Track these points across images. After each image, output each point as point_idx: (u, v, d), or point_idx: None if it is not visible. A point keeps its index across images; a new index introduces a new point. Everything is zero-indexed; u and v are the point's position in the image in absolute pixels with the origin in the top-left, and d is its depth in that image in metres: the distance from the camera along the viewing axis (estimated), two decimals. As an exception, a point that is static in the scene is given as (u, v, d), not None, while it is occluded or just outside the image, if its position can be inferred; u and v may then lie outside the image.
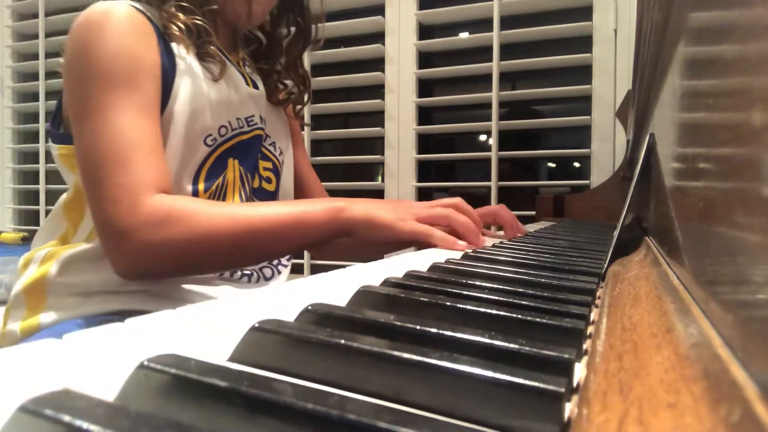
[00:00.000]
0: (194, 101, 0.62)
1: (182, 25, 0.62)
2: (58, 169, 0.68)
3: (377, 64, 1.44)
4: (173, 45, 0.62)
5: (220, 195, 0.66)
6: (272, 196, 0.75)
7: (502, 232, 0.76)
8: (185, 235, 0.51)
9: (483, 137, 1.43)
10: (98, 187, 0.53)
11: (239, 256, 0.57)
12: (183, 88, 0.61)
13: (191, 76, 0.62)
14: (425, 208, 0.57)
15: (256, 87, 0.73)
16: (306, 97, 0.81)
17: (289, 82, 0.80)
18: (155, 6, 0.63)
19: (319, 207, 0.55)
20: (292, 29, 0.79)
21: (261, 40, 0.79)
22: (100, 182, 0.53)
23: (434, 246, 0.53)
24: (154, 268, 0.54)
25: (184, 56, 0.62)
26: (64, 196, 0.65)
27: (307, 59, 1.42)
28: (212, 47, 0.64)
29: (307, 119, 1.44)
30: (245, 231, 0.53)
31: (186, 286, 0.63)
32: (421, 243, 0.54)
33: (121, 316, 0.58)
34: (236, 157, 0.67)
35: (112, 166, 0.52)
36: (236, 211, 0.54)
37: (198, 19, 0.63)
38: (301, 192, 0.85)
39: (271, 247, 0.57)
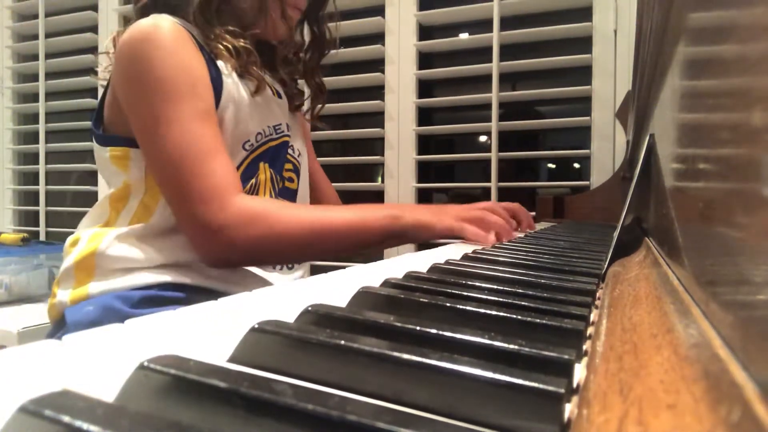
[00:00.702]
0: (237, 111, 0.69)
1: (230, 46, 0.68)
2: (100, 169, 0.73)
3: (377, 64, 1.44)
4: (219, 62, 0.68)
5: (252, 194, 0.73)
6: (295, 193, 0.82)
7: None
8: (267, 234, 0.59)
9: (483, 138, 1.43)
10: (185, 191, 0.60)
11: (309, 254, 0.69)
12: (228, 98, 0.68)
13: (235, 88, 0.69)
14: (463, 210, 0.65)
15: (279, 96, 0.79)
16: (322, 104, 0.87)
17: (304, 88, 0.86)
18: (200, 25, 0.68)
19: (379, 215, 0.63)
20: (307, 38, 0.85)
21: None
22: (186, 186, 0.60)
23: (467, 239, 0.61)
24: (239, 260, 0.65)
25: (228, 71, 0.69)
26: (112, 190, 0.70)
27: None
28: (254, 68, 0.71)
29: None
30: (317, 232, 0.61)
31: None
32: (455, 237, 0.62)
33: (162, 289, 0.60)
34: (266, 161, 0.74)
35: (196, 171, 0.60)
36: (310, 214, 0.62)
37: (243, 42, 0.69)
38: (312, 187, 0.90)
39: (337, 246, 0.65)
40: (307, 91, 0.88)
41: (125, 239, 0.66)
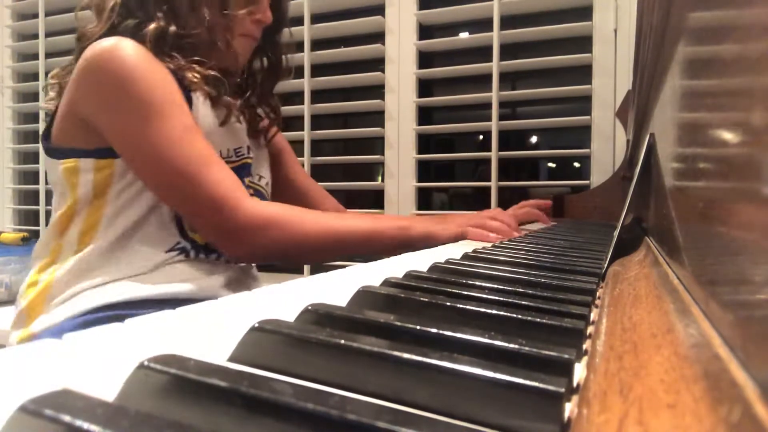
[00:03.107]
0: (204, 132, 0.69)
1: (199, 76, 0.69)
2: (54, 187, 0.71)
3: (377, 64, 1.44)
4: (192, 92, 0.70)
5: None
6: None
7: (534, 226, 0.90)
8: (282, 238, 0.64)
9: (480, 137, 1.43)
10: (193, 201, 0.63)
11: (321, 258, 0.78)
12: (196, 119, 0.69)
13: (203, 111, 0.71)
14: (466, 219, 0.69)
15: (239, 121, 0.78)
16: (277, 126, 0.88)
17: (261, 112, 0.86)
18: (165, 55, 0.68)
19: (391, 225, 0.67)
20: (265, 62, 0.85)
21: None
22: (193, 196, 0.63)
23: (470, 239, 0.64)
24: (257, 259, 0.73)
25: (200, 99, 0.70)
26: (58, 214, 0.69)
27: (307, 59, 1.43)
28: (225, 97, 0.73)
29: (306, 119, 1.44)
30: (329, 239, 0.66)
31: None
32: (464, 238, 0.65)
33: (102, 310, 0.62)
34: None
35: (200, 181, 0.62)
36: (323, 221, 0.67)
37: (212, 72, 0.70)
38: (304, 200, 0.91)
39: (347, 253, 0.72)
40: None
41: (71, 271, 0.66)
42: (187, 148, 0.63)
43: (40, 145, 1.87)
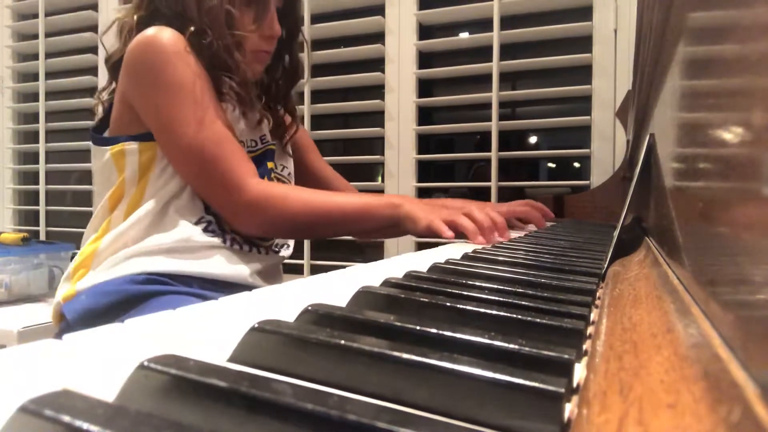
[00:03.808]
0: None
1: (229, 90, 0.74)
2: (99, 172, 0.77)
3: (377, 64, 1.44)
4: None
5: None
6: None
7: (531, 227, 0.89)
8: (279, 215, 0.69)
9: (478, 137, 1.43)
10: (208, 178, 0.70)
11: (319, 233, 0.85)
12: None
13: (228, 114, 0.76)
14: (453, 210, 0.67)
15: (268, 121, 0.84)
16: (295, 128, 0.92)
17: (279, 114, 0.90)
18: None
19: (381, 202, 0.70)
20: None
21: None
22: (209, 174, 0.69)
23: (446, 238, 0.63)
24: (262, 234, 0.76)
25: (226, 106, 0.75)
26: (109, 192, 0.75)
27: (307, 59, 1.43)
28: (256, 105, 0.78)
29: (306, 119, 1.44)
30: (324, 215, 0.70)
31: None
32: (436, 236, 0.64)
33: (147, 275, 0.67)
34: None
35: (216, 161, 0.68)
36: (317, 198, 0.71)
37: (237, 87, 0.74)
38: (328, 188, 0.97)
39: (342, 229, 0.76)
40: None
41: (118, 236, 0.71)
42: (206, 131, 0.68)
43: (40, 145, 1.86)
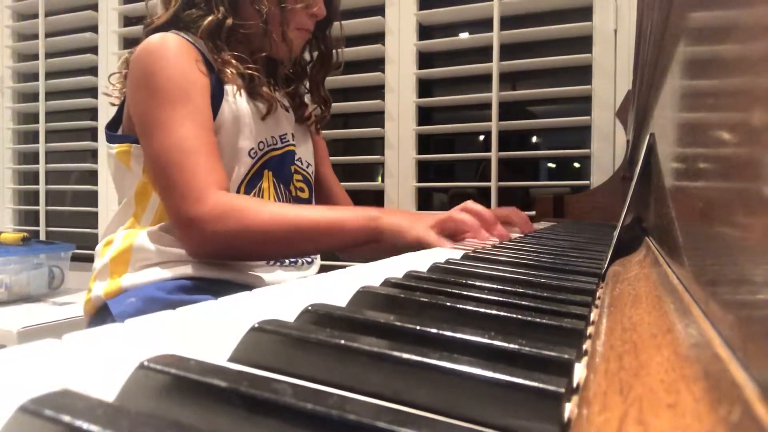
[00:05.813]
0: (240, 121, 0.74)
1: (236, 72, 0.74)
2: (114, 168, 0.78)
3: (377, 64, 1.44)
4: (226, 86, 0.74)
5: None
6: (308, 202, 0.88)
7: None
8: (238, 228, 0.63)
9: (481, 137, 1.43)
10: (168, 187, 0.65)
11: (285, 251, 0.72)
12: (229, 109, 0.73)
13: (236, 102, 0.74)
14: (438, 217, 0.63)
15: (286, 109, 0.84)
16: (327, 117, 0.93)
17: (309, 102, 0.91)
18: (209, 48, 0.74)
19: (356, 215, 0.64)
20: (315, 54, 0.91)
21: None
22: (169, 182, 0.64)
23: (436, 247, 0.58)
24: (216, 252, 0.67)
25: (234, 91, 0.74)
26: (135, 187, 0.76)
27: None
28: (264, 89, 0.76)
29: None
30: (290, 230, 0.64)
31: (246, 268, 0.75)
32: (425, 246, 0.59)
33: (190, 280, 0.66)
34: (270, 169, 0.79)
35: (178, 169, 0.64)
36: (283, 211, 0.65)
37: (250, 67, 0.75)
38: (326, 195, 0.97)
39: (311, 245, 0.68)
40: (312, 105, 0.93)
41: (156, 235, 0.71)
42: (177, 136, 0.65)
43: (40, 146, 1.87)
